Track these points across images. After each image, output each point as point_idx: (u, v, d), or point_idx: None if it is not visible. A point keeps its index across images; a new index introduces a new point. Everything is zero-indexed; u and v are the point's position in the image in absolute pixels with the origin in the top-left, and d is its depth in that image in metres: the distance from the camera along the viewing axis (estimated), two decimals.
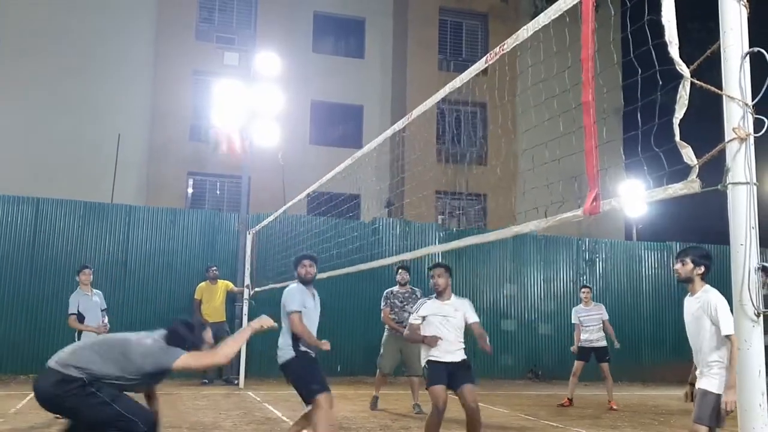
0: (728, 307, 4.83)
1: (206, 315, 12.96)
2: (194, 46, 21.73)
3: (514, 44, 4.17)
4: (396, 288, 10.83)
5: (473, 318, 7.42)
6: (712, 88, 2.66)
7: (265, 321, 5.34)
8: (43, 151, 19.88)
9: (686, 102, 2.72)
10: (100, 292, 9.87)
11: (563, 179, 4.18)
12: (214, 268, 13.76)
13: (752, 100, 2.61)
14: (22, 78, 20.17)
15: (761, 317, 2.57)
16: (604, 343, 11.81)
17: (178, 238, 14.77)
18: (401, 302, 10.64)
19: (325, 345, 6.85)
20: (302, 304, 6.83)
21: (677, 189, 2.82)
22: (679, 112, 2.73)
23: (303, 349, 6.77)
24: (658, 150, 3.14)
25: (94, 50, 20.97)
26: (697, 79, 2.73)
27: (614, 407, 11.36)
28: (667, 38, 2.78)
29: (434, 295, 7.42)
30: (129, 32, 21.42)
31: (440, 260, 11.30)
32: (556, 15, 3.70)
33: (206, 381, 13.23)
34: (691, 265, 5.16)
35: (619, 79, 3.68)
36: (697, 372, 5.23)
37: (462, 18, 24.74)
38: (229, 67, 21.19)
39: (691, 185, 2.75)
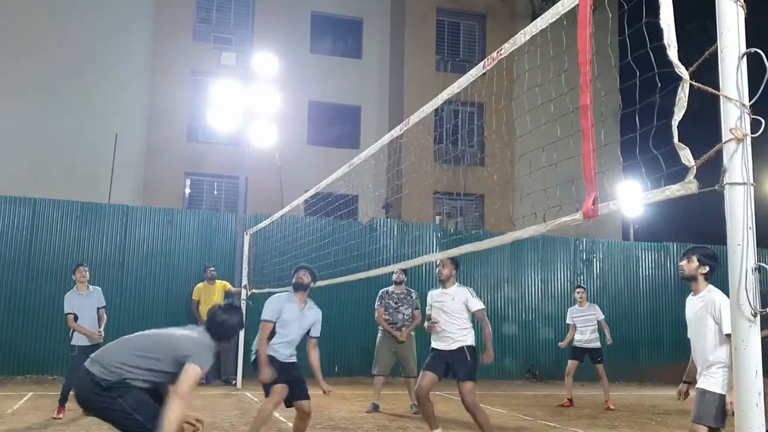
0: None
1: (204, 315, 12.91)
2: (192, 46, 21.72)
3: (512, 49, 4.18)
4: (392, 288, 10.79)
5: (475, 305, 7.62)
6: (710, 89, 2.67)
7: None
8: (39, 152, 19.85)
9: (685, 104, 2.73)
10: (99, 289, 9.80)
11: (561, 183, 4.18)
12: (212, 268, 13.76)
13: (749, 101, 2.63)
14: (19, 78, 20.13)
15: (758, 317, 2.58)
16: (598, 344, 11.85)
17: (176, 238, 14.77)
18: (396, 303, 10.60)
19: (264, 374, 6.76)
20: (276, 313, 6.97)
21: (675, 190, 2.83)
22: (678, 114, 2.74)
23: (269, 353, 6.89)
24: (656, 152, 3.16)
25: (91, 50, 20.94)
26: (695, 81, 2.74)
27: (611, 407, 11.39)
28: (665, 41, 2.79)
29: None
30: (126, 32, 21.40)
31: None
32: (554, 18, 3.71)
33: (204, 381, 13.22)
34: (696, 264, 5.22)
35: (617, 82, 3.68)
36: (697, 372, 5.24)
37: (459, 18, 24.74)
38: (226, 68, 21.18)
39: (689, 186, 2.76)
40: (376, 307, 10.76)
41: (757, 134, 2.63)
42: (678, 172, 2.85)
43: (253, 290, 12.74)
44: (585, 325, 11.85)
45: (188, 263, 14.59)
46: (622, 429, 9.56)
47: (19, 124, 19.96)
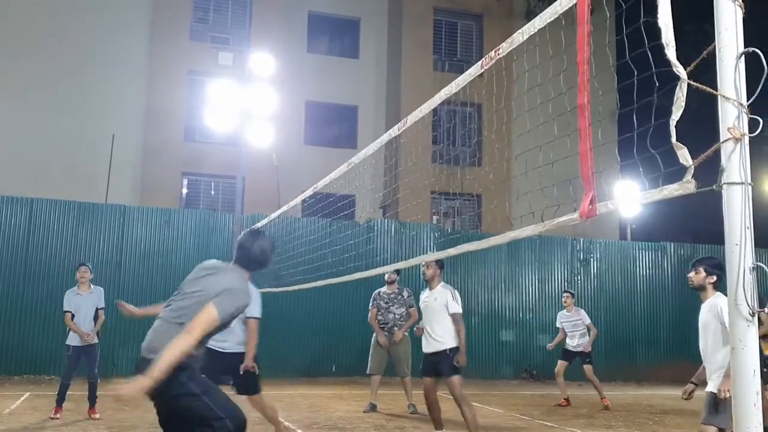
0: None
1: None
2: (189, 46, 21.71)
3: (510, 49, 4.17)
4: (384, 288, 10.79)
5: (453, 308, 7.66)
6: (708, 89, 2.66)
7: None
8: (37, 152, 19.82)
9: (683, 103, 2.73)
10: (101, 289, 9.76)
11: (558, 182, 4.18)
12: None
13: (747, 101, 2.62)
14: (16, 78, 20.11)
15: (756, 317, 2.58)
16: (588, 347, 11.89)
17: (173, 238, 14.75)
18: (386, 303, 10.62)
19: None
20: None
21: (673, 190, 2.83)
22: (676, 114, 2.74)
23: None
24: (654, 151, 3.15)
25: (88, 50, 20.92)
26: (693, 81, 2.73)
27: (607, 404, 11.39)
28: (663, 41, 2.78)
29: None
30: (124, 32, 21.38)
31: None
32: (552, 18, 3.71)
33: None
34: (703, 274, 5.38)
35: (615, 82, 3.68)
36: (707, 376, 5.36)
37: (457, 18, 24.75)
38: (223, 67, 21.16)
39: (687, 186, 2.75)
40: (370, 308, 10.79)
41: (755, 134, 2.63)
42: (676, 172, 2.85)
43: None
44: (573, 330, 11.94)
45: (185, 263, 14.52)
46: (619, 428, 9.57)
47: (16, 124, 19.93)
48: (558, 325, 12.20)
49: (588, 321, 11.96)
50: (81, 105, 20.52)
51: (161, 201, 18.61)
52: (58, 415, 8.93)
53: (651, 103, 3.29)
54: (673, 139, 2.75)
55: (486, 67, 4.45)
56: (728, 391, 4.25)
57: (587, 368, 11.74)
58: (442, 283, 7.91)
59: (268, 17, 22.19)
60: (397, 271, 10.75)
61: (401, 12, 23.80)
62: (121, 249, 14.40)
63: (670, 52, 2.78)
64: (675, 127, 2.74)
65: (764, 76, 2.54)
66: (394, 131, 6.03)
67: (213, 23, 22.54)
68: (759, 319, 2.65)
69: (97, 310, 9.53)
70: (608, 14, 3.73)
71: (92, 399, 9.14)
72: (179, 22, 21.73)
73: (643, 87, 3.40)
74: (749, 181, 2.59)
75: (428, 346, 7.73)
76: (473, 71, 4.65)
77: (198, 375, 4.13)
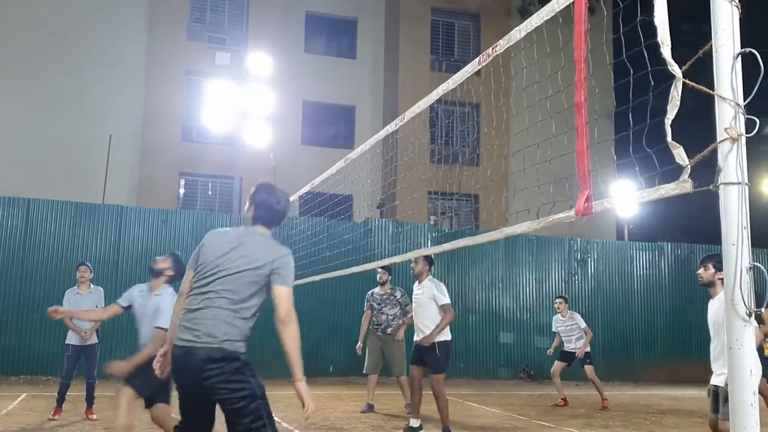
0: None
1: None
2: (186, 46, 21.69)
3: (507, 46, 4.17)
4: (376, 289, 10.77)
5: (441, 300, 8.16)
6: (704, 89, 2.66)
7: None
8: (34, 152, 19.80)
9: (678, 102, 2.73)
10: (101, 290, 9.75)
11: (555, 180, 4.18)
12: None
13: (744, 101, 2.62)
14: (13, 79, 20.09)
15: (753, 316, 2.58)
16: (587, 348, 11.87)
17: (170, 238, 14.72)
18: (378, 304, 10.60)
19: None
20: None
21: (669, 189, 2.83)
22: (671, 113, 2.74)
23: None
24: (650, 150, 3.15)
25: (85, 51, 20.91)
26: (690, 81, 2.73)
27: (606, 406, 11.39)
28: (659, 39, 2.78)
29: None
30: (120, 33, 21.36)
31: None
32: (549, 16, 3.70)
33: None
34: (712, 270, 5.56)
35: (611, 81, 3.68)
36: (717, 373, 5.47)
37: (454, 18, 24.76)
38: (220, 68, 21.17)
39: (684, 185, 2.75)
40: (365, 309, 10.81)
41: (752, 134, 2.63)
42: (672, 171, 2.85)
43: None
44: (569, 334, 11.93)
45: (183, 263, 14.54)
46: (616, 428, 9.56)
47: (13, 125, 19.90)
48: (554, 329, 12.21)
49: (583, 325, 11.88)
50: (78, 105, 20.51)
51: (158, 201, 18.60)
52: (57, 416, 8.91)
53: (648, 102, 3.29)
54: (669, 138, 2.75)
55: (483, 64, 4.44)
56: None
57: (588, 369, 11.72)
58: (429, 277, 8.37)
59: (265, 17, 22.19)
60: (389, 271, 10.70)
61: (398, 12, 23.81)
62: (119, 249, 14.38)
63: (666, 51, 2.78)
64: (671, 126, 2.74)
65: (761, 76, 2.54)
66: (391, 127, 6.03)
67: (210, 23, 22.53)
68: (761, 318, 2.66)
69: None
70: (605, 13, 3.72)
71: (90, 399, 9.13)
72: (176, 22, 21.72)
73: (640, 85, 3.40)
74: (746, 181, 2.59)
75: (417, 336, 8.26)
76: (471, 68, 4.65)
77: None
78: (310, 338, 14.67)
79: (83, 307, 9.37)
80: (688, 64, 2.78)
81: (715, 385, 5.47)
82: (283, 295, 3.93)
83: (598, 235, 19.82)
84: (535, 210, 3.96)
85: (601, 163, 3.63)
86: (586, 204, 3.25)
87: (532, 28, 3.90)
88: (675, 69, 2.75)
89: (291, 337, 3.86)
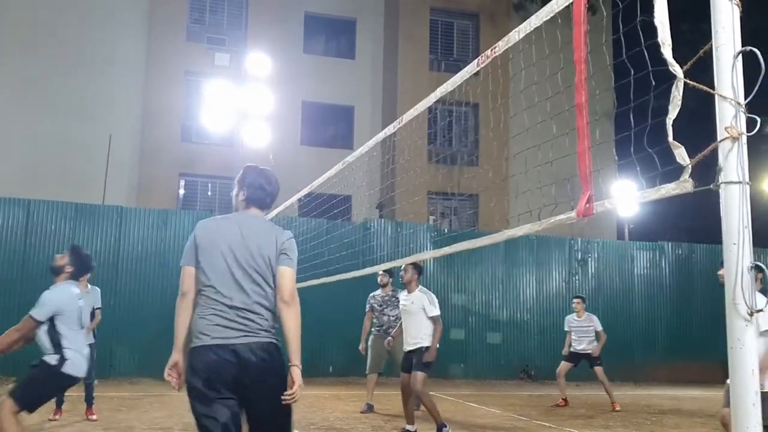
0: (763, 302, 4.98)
1: None
2: (185, 46, 21.69)
3: (506, 47, 4.16)
4: (378, 291, 10.80)
5: (431, 311, 8.13)
6: (705, 88, 2.66)
7: None
8: (33, 153, 19.80)
9: (679, 102, 2.73)
10: (98, 290, 9.77)
11: (556, 181, 4.17)
12: None
13: (745, 99, 2.62)
14: (13, 79, 20.09)
15: (754, 316, 2.57)
16: (596, 353, 11.79)
17: (170, 239, 14.72)
18: (380, 306, 10.65)
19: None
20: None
21: (670, 189, 2.82)
22: (672, 113, 2.73)
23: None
24: (651, 150, 3.15)
25: (85, 51, 20.91)
26: (690, 80, 2.73)
27: (617, 408, 11.29)
28: (660, 39, 2.78)
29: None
30: (120, 33, 21.36)
31: (432, 263, 11.33)
32: (548, 17, 3.70)
33: None
34: None
35: (612, 81, 3.67)
36: None
37: (453, 18, 24.76)
38: (220, 68, 21.18)
39: (684, 185, 2.75)
40: (366, 311, 10.82)
41: (753, 133, 2.62)
42: (673, 171, 2.85)
43: None
44: (581, 335, 11.79)
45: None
46: (617, 429, 9.56)
47: (13, 125, 19.90)
48: (566, 328, 12.06)
49: (600, 328, 11.76)
50: (77, 106, 20.51)
51: (158, 202, 18.60)
52: (57, 417, 8.90)
53: (648, 103, 3.28)
54: (670, 138, 2.74)
55: (482, 65, 4.44)
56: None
57: (598, 370, 11.63)
58: (420, 287, 8.33)
59: (265, 18, 22.19)
60: (390, 274, 10.73)
61: (397, 12, 23.81)
62: (118, 250, 14.37)
63: (666, 51, 2.78)
64: (672, 126, 2.74)
65: (762, 74, 2.53)
66: (389, 129, 6.02)
67: (209, 24, 22.53)
68: None
69: (93, 309, 9.52)
70: (605, 13, 3.72)
71: (89, 400, 9.12)
72: (176, 22, 21.72)
73: (641, 86, 3.40)
74: (747, 180, 2.58)
75: (406, 345, 8.28)
76: (470, 69, 4.64)
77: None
78: (310, 338, 14.66)
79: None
80: (689, 63, 2.77)
81: None
82: (288, 275, 3.86)
83: (598, 235, 19.82)
84: (536, 211, 3.96)
85: (602, 164, 3.63)
86: (587, 205, 3.25)
87: (532, 29, 3.89)
88: (676, 69, 2.74)
89: (293, 318, 3.78)
